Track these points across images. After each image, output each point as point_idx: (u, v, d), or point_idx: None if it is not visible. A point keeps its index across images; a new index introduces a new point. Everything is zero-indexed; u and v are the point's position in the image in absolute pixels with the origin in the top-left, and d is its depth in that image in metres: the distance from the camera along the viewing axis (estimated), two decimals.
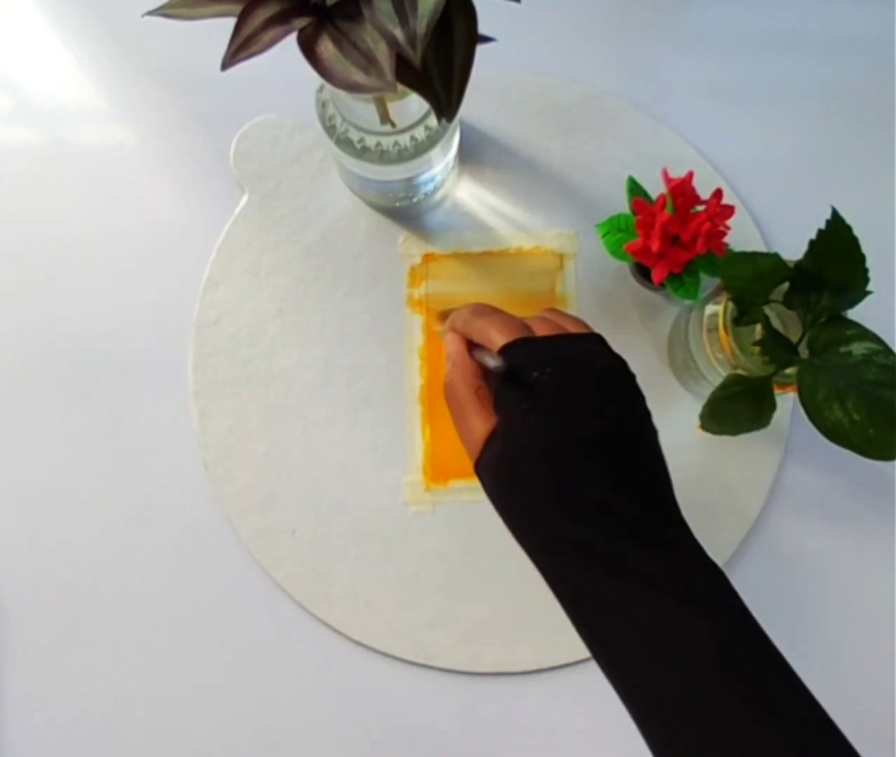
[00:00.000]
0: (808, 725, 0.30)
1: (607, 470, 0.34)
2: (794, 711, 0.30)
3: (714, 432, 0.47)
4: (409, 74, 0.35)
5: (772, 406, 0.44)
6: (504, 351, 0.36)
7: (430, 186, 0.54)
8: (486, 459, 0.36)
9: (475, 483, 0.54)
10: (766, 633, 0.32)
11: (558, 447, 0.34)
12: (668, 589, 0.32)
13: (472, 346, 0.39)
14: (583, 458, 0.34)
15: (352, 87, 0.34)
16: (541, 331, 0.38)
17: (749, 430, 0.46)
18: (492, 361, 0.35)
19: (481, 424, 0.37)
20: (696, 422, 0.48)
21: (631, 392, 0.37)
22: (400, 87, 0.35)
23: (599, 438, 0.34)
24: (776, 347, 0.43)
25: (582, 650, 0.52)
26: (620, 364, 0.37)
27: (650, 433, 0.36)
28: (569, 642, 0.53)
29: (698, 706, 0.30)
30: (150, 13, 0.35)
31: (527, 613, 0.53)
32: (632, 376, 0.37)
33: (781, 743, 0.29)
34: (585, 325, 0.39)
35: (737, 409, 0.45)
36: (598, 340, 0.38)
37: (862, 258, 0.43)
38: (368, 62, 0.34)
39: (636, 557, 0.32)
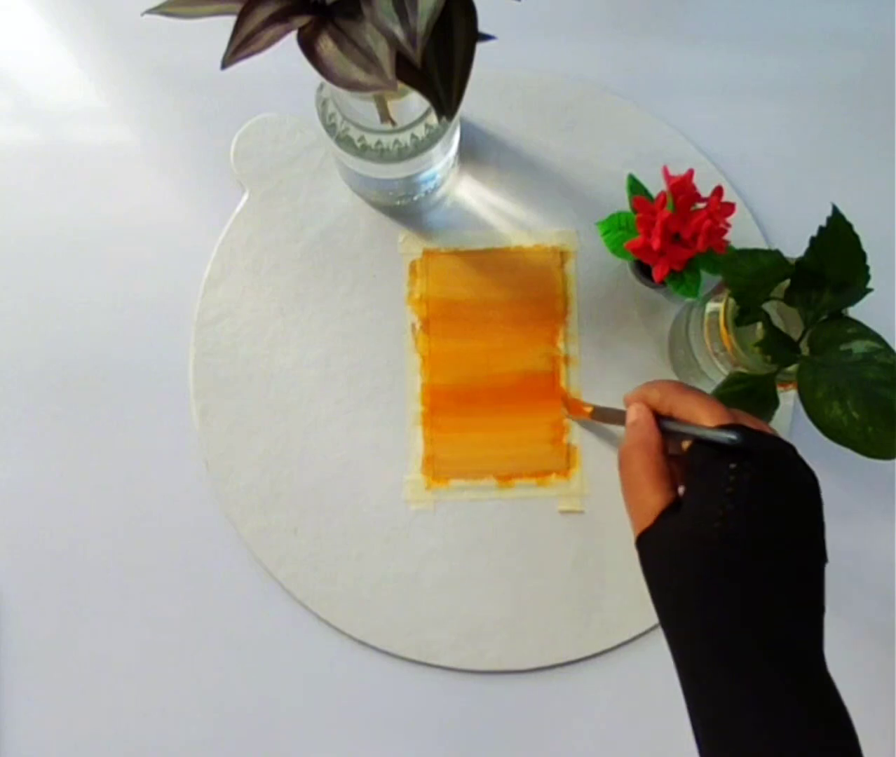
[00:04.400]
0: None
1: (778, 594, 0.34)
2: None
3: None
4: (410, 73, 0.35)
5: (775, 403, 0.44)
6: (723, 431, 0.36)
7: (431, 185, 0.54)
8: (659, 530, 0.36)
9: (476, 481, 0.55)
10: None
11: (743, 551, 0.34)
12: (785, 736, 0.32)
13: (658, 418, 0.40)
14: (757, 570, 0.34)
15: (352, 86, 0.34)
16: (745, 421, 0.37)
17: None
18: (724, 436, 0.35)
19: (658, 495, 0.36)
20: None
21: (820, 517, 0.36)
22: (400, 85, 0.35)
23: (781, 555, 0.34)
24: (777, 345, 0.43)
25: (582, 649, 0.53)
26: (814, 480, 0.36)
27: (823, 563, 0.35)
28: (570, 640, 0.53)
29: None
30: (150, 11, 0.35)
31: (528, 610, 0.53)
32: (820, 500, 0.36)
33: None
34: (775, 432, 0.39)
35: (740, 406, 0.45)
36: (794, 450, 0.37)
37: (863, 256, 0.43)
38: (368, 60, 0.34)
39: (766, 692, 0.32)
